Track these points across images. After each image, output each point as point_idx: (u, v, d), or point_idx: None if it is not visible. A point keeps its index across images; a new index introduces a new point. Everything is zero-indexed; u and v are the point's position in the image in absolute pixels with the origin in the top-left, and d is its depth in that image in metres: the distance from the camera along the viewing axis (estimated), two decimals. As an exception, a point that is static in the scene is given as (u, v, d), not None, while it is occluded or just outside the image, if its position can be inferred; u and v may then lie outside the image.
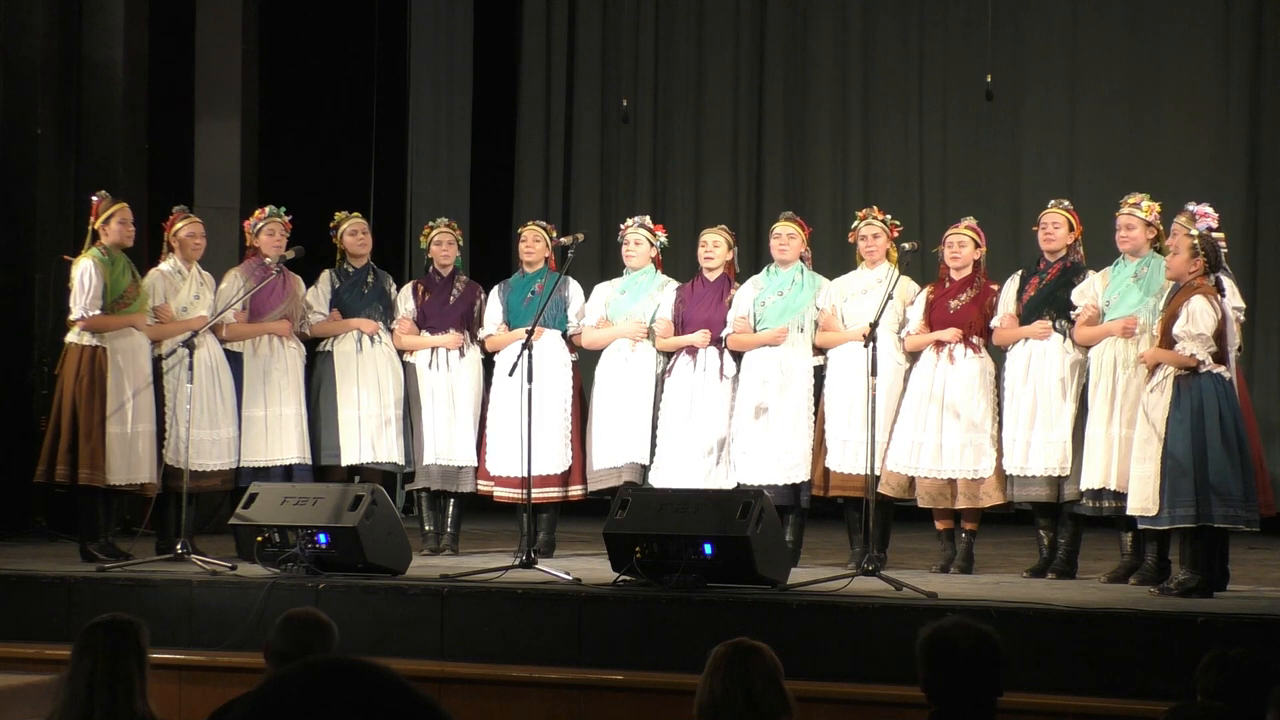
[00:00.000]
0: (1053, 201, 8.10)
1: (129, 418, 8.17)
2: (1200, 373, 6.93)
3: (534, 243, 8.81)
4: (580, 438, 8.63)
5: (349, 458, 8.65)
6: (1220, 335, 6.94)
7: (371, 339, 8.75)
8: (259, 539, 7.49)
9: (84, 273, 8.19)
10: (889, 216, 8.37)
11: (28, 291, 9.92)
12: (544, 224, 9.06)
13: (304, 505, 7.54)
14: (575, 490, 8.61)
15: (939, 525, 8.10)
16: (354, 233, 8.90)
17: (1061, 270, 7.91)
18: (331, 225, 8.94)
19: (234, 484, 8.57)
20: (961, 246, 8.09)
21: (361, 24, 12.51)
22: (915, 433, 7.97)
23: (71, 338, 8.26)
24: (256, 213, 8.88)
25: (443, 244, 8.93)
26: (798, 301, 8.33)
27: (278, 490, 7.82)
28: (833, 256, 10.95)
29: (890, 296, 7.77)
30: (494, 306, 8.79)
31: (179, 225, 8.57)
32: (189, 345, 7.99)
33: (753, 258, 10.51)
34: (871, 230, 8.31)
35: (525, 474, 7.84)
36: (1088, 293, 7.74)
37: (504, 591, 7.06)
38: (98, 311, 8.16)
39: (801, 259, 8.45)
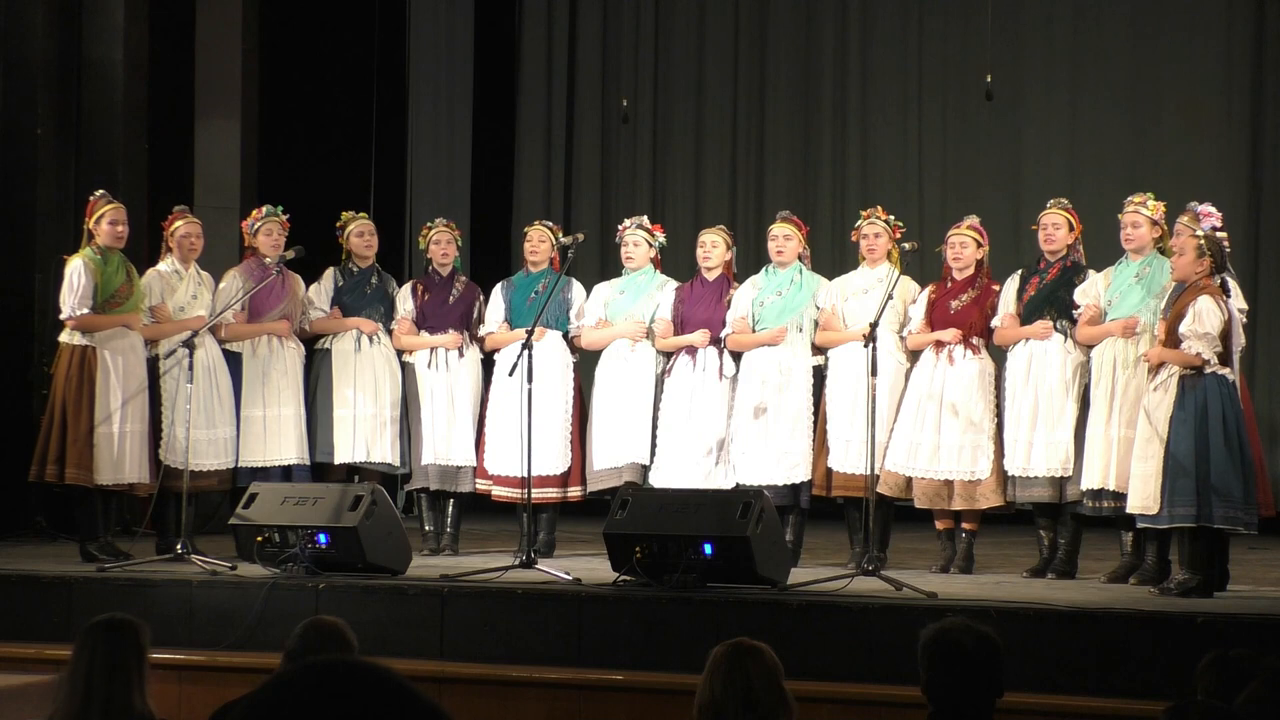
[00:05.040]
0: (1051, 201, 8.09)
1: (119, 417, 8.16)
2: (1205, 373, 6.92)
3: (539, 243, 8.81)
4: (580, 439, 8.63)
5: (343, 456, 8.64)
6: (1226, 336, 6.94)
7: (370, 339, 8.75)
8: (259, 539, 7.48)
9: (74, 272, 8.21)
10: (892, 218, 8.37)
11: (28, 291, 9.92)
12: (550, 224, 9.06)
13: (304, 505, 7.54)
14: (574, 491, 8.62)
15: (939, 525, 8.10)
16: (360, 234, 8.89)
17: (1062, 270, 7.91)
18: (338, 225, 8.94)
19: (231, 484, 8.57)
20: (964, 247, 8.09)
21: (361, 24, 12.51)
22: (914, 433, 7.97)
23: (64, 337, 8.27)
24: (254, 212, 8.88)
25: (441, 244, 8.92)
26: (796, 301, 8.32)
27: (278, 490, 7.82)
28: (833, 256, 10.97)
29: (890, 296, 7.76)
30: (496, 305, 8.79)
31: (176, 225, 8.58)
32: (189, 345, 7.98)
33: (753, 258, 10.51)
34: (874, 230, 8.30)
35: (525, 474, 7.84)
36: (1090, 292, 7.74)
37: (504, 591, 7.06)
38: (86, 311, 8.16)
39: (800, 259, 8.45)
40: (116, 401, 8.17)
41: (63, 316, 8.25)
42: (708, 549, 6.90)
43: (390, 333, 8.84)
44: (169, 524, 8.35)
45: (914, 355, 8.13)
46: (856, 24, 12.38)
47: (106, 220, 8.29)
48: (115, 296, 8.24)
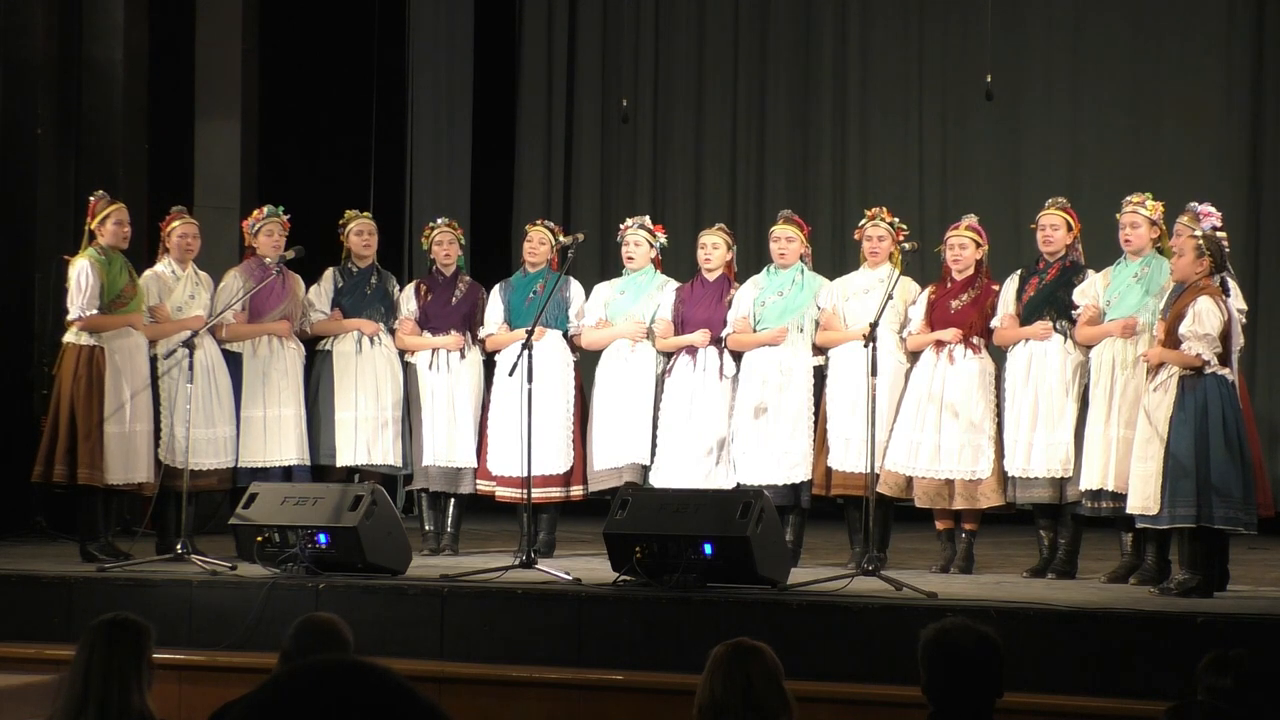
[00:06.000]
0: (1049, 201, 8.09)
1: (127, 417, 8.17)
2: (1204, 374, 6.92)
3: (539, 244, 8.81)
4: (581, 438, 8.63)
5: (345, 459, 8.64)
6: (1225, 336, 6.94)
7: (372, 340, 8.74)
8: (259, 539, 7.48)
9: (80, 273, 8.20)
10: (896, 220, 8.37)
11: (28, 291, 9.92)
12: (550, 224, 9.06)
13: (304, 505, 7.54)
14: (576, 490, 8.62)
15: (939, 525, 8.10)
16: (360, 233, 8.88)
17: (1061, 270, 7.91)
18: (340, 223, 8.94)
19: (231, 484, 8.57)
20: (963, 248, 8.09)
21: (361, 24, 12.51)
22: (914, 432, 7.97)
23: (69, 338, 8.26)
24: (255, 213, 8.88)
25: (444, 244, 8.92)
26: (797, 301, 8.33)
27: (278, 490, 7.82)
28: (833, 256, 10.97)
29: (890, 296, 7.76)
30: (495, 306, 8.79)
31: (173, 225, 8.59)
32: (189, 345, 7.98)
33: (753, 258, 10.51)
34: (878, 232, 8.30)
35: (525, 474, 7.84)
36: (1089, 292, 7.74)
37: (504, 591, 7.06)
38: (95, 311, 8.16)
39: (801, 259, 8.45)
40: (125, 401, 8.17)
41: (70, 317, 8.24)
42: (708, 549, 6.90)
43: (392, 332, 8.83)
44: (169, 524, 8.35)
45: (914, 355, 8.13)
46: (856, 24, 12.38)
47: (112, 220, 8.28)
48: (121, 297, 8.24)
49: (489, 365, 8.85)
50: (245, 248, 8.93)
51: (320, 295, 8.81)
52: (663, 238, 8.80)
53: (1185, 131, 11.51)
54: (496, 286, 8.86)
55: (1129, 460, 7.21)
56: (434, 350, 8.78)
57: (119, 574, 7.64)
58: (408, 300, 8.89)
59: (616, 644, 6.76)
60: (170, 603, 7.26)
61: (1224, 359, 6.95)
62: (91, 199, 8.41)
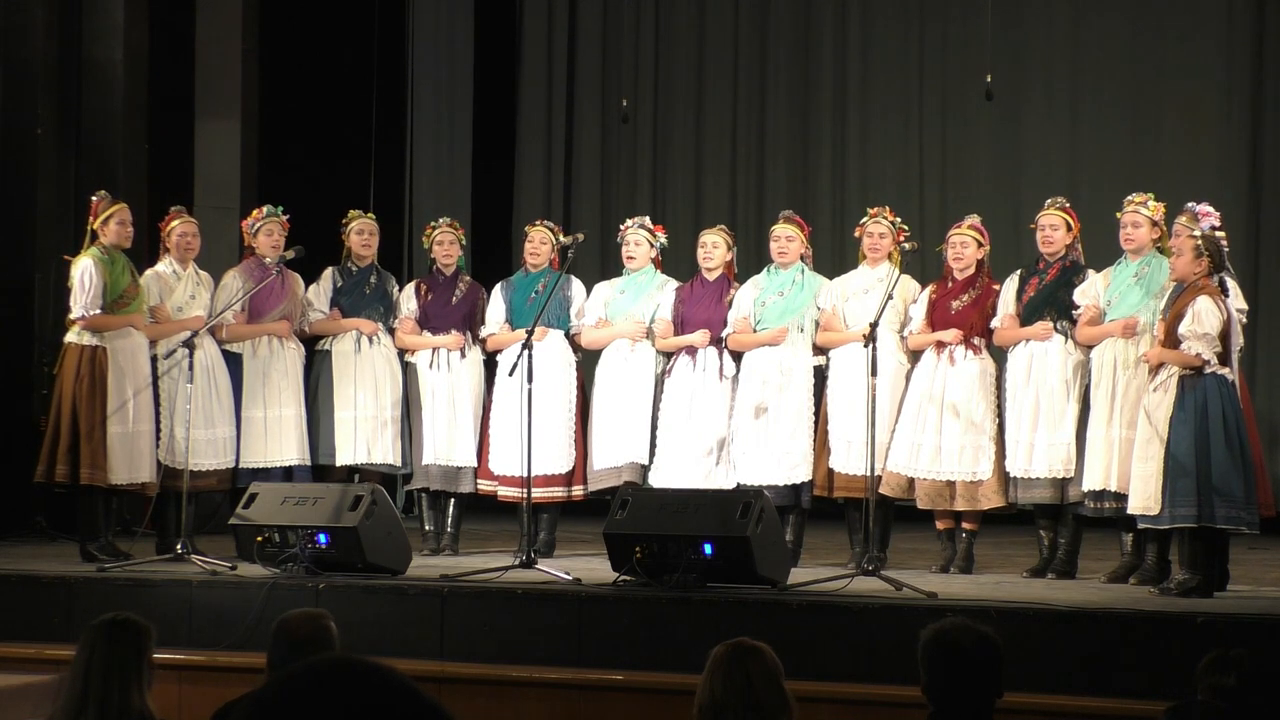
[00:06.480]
0: (1049, 201, 8.09)
1: (130, 417, 8.17)
2: (1204, 373, 6.92)
3: (541, 244, 8.81)
4: (583, 437, 8.63)
5: (344, 458, 8.65)
6: (1225, 336, 6.94)
7: (370, 340, 8.74)
8: (259, 539, 7.48)
9: (84, 272, 8.19)
10: (899, 219, 8.36)
11: (28, 291, 9.92)
12: (550, 224, 9.06)
13: (304, 505, 7.54)
14: (578, 490, 8.62)
15: (939, 525, 8.10)
16: (360, 232, 8.88)
17: (1061, 270, 7.91)
18: (342, 221, 8.94)
19: (231, 484, 8.57)
20: (964, 247, 8.08)
21: (361, 25, 12.51)
22: (915, 433, 7.96)
23: (71, 337, 8.26)
24: (254, 213, 8.88)
25: (444, 244, 8.92)
26: (798, 301, 8.32)
27: (278, 490, 7.82)
28: (833, 256, 10.96)
29: (890, 296, 7.76)
30: (496, 305, 8.79)
31: (173, 225, 8.59)
32: (189, 346, 7.98)
33: (753, 258, 10.51)
34: (879, 229, 8.30)
35: (525, 474, 7.84)
36: (1089, 293, 7.74)
37: (504, 591, 7.06)
38: (98, 311, 8.16)
39: (802, 259, 8.45)
40: (128, 401, 8.17)
41: (73, 317, 8.24)
42: (708, 549, 6.90)
43: (392, 332, 8.83)
44: (169, 524, 8.35)
45: (915, 355, 8.13)
46: (856, 24, 12.38)
47: (115, 220, 8.28)
48: (123, 297, 8.24)
49: (489, 365, 8.85)
50: (245, 248, 8.93)
51: (319, 295, 8.81)
52: (663, 238, 8.80)
53: (1185, 131, 11.51)
54: (498, 286, 8.86)
55: (1131, 461, 7.21)
56: (434, 350, 8.78)
57: (119, 574, 7.64)
58: (408, 300, 8.89)
59: (616, 644, 6.76)
60: (170, 603, 7.25)
61: (1224, 358, 6.95)
62: (94, 199, 8.41)
